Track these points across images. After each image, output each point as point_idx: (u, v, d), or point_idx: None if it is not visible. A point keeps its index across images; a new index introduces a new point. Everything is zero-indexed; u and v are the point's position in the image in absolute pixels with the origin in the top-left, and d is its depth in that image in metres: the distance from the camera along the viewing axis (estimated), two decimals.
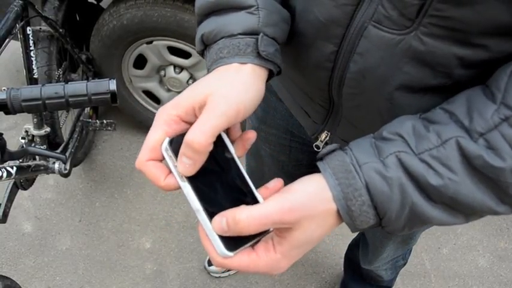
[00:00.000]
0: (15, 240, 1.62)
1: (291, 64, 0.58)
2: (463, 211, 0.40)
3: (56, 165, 1.29)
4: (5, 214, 1.15)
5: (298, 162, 0.90)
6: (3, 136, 0.94)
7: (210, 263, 1.56)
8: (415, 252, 1.65)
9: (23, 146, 1.29)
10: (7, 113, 0.64)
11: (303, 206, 0.38)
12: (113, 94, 0.67)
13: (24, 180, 1.26)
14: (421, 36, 0.42)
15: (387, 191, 0.38)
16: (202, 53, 0.49)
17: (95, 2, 1.78)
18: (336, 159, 0.40)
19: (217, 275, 1.56)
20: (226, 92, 0.39)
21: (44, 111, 0.86)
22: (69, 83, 0.67)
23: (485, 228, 1.75)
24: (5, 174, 1.07)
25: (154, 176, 0.39)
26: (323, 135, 0.64)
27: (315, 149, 0.67)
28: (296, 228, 0.38)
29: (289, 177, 0.98)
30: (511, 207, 0.40)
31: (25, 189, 1.29)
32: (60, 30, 1.41)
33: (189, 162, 0.37)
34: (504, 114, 0.37)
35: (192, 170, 0.38)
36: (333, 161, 0.40)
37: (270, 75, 0.46)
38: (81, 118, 1.58)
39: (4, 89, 0.62)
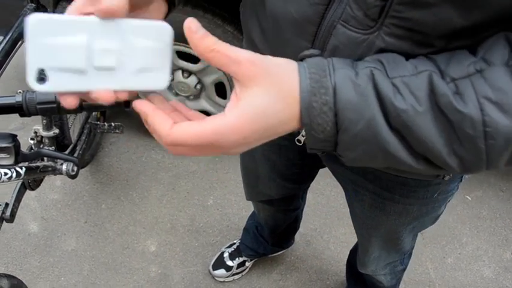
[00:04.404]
0: (21, 240, 1.63)
1: None
2: (415, 147, 0.41)
3: (64, 167, 1.30)
4: (13, 214, 1.15)
5: (290, 162, 0.92)
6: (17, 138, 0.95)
7: (215, 267, 1.56)
8: (420, 261, 1.65)
9: (31, 147, 1.30)
10: (22, 115, 0.64)
11: (267, 68, 0.39)
12: None
13: (32, 180, 1.27)
14: (383, 36, 0.44)
15: (353, 97, 0.39)
16: None
17: None
18: (315, 59, 0.42)
19: (221, 279, 1.56)
20: None
21: (58, 115, 0.87)
22: None
23: (490, 239, 1.74)
24: (14, 175, 1.08)
25: None
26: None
27: (297, 143, 0.69)
28: (254, 86, 0.38)
29: (282, 178, 1.00)
30: (460, 165, 0.41)
31: (33, 189, 1.30)
32: None
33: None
34: (480, 67, 0.39)
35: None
36: (311, 60, 0.42)
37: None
38: (89, 120, 1.59)
39: (20, 92, 0.63)
